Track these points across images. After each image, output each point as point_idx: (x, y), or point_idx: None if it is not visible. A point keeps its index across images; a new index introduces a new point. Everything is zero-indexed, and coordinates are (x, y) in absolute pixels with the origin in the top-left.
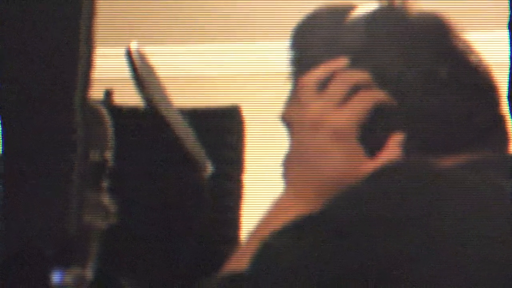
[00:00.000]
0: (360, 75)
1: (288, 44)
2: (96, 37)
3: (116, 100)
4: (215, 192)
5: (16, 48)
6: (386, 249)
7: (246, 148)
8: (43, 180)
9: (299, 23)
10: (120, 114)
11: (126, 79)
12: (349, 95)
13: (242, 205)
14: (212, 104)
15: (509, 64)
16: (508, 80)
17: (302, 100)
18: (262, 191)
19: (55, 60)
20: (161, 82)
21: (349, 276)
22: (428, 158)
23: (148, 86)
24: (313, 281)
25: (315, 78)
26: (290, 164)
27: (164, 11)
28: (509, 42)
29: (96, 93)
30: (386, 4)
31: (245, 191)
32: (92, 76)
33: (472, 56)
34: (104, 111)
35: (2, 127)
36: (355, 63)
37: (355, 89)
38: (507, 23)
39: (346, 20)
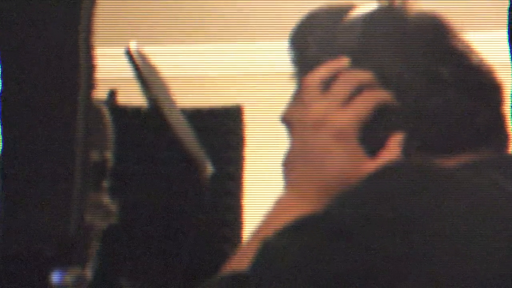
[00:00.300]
0: (363, 75)
1: (288, 44)
2: (101, 37)
3: (120, 100)
4: (217, 192)
5: (17, 49)
6: (387, 249)
7: (248, 148)
8: (44, 180)
9: (298, 23)
10: (124, 114)
11: (130, 79)
12: (352, 95)
13: (243, 205)
14: (214, 104)
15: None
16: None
17: (306, 100)
18: (263, 191)
19: (56, 61)
20: (163, 81)
21: (350, 276)
22: (429, 158)
23: (151, 85)
24: (314, 281)
25: (319, 78)
26: (291, 164)
27: (167, 11)
28: (508, 42)
29: (100, 93)
30: (386, 4)
31: (246, 191)
32: (95, 76)
33: (473, 56)
34: (105, 111)
35: (2, 127)
36: (355, 63)
37: (359, 89)
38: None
39: (346, 20)
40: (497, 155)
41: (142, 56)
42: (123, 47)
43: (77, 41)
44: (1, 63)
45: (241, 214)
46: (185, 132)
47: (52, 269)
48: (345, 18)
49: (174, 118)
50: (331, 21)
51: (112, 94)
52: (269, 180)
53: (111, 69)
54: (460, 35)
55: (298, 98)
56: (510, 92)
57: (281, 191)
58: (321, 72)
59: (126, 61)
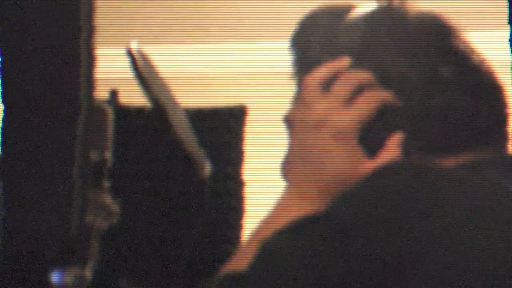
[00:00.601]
0: (364, 75)
1: (289, 44)
2: (102, 37)
3: (122, 100)
4: (217, 192)
5: (17, 48)
6: (387, 249)
7: (250, 148)
8: (44, 180)
9: (299, 23)
10: (125, 114)
11: (131, 79)
12: (353, 95)
13: (244, 205)
14: (215, 104)
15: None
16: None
17: (306, 100)
18: (264, 191)
19: (56, 61)
20: (164, 81)
21: (350, 276)
22: (428, 158)
23: (152, 85)
24: (314, 281)
25: (319, 78)
26: (292, 164)
27: (169, 11)
28: (509, 42)
29: (101, 93)
30: (386, 4)
31: (247, 191)
32: (96, 76)
33: (473, 56)
34: (107, 111)
35: (3, 126)
36: (356, 63)
37: (359, 89)
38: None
39: (347, 20)
40: (497, 155)
41: (143, 56)
42: (124, 47)
43: (78, 41)
44: (2, 62)
45: (242, 214)
46: (186, 132)
47: (51, 269)
48: (346, 18)
49: (176, 118)
50: (332, 21)
51: (114, 94)
52: (270, 180)
53: (112, 69)
54: (461, 35)
55: (298, 98)
56: (510, 92)
57: (281, 191)
58: (322, 72)
59: (127, 61)
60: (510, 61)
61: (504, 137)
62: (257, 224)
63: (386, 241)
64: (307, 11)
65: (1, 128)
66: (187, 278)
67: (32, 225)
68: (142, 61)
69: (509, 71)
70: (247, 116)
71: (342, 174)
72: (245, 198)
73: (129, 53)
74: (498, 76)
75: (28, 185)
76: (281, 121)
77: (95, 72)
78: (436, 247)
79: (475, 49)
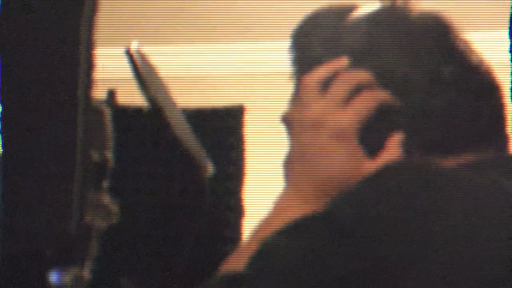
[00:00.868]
0: (362, 75)
1: (290, 44)
2: (101, 37)
3: (120, 100)
4: (217, 192)
5: (17, 48)
6: (387, 249)
7: (249, 148)
8: (44, 180)
9: (301, 23)
10: (123, 114)
11: (130, 79)
12: (351, 95)
13: (244, 205)
14: (214, 104)
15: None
16: (511, 80)
17: (304, 100)
18: (264, 191)
19: (56, 60)
20: (163, 81)
21: (350, 276)
22: (429, 158)
23: (150, 85)
24: (313, 281)
25: (318, 78)
26: (291, 164)
27: (168, 11)
28: (509, 43)
29: (99, 93)
30: (388, 4)
31: (247, 191)
32: (94, 76)
33: (474, 56)
34: (105, 111)
35: (2, 126)
36: (356, 63)
37: (358, 89)
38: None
39: (348, 20)
40: (497, 155)
41: (142, 56)
42: (123, 47)
43: (78, 41)
44: (1, 62)
45: (242, 214)
46: (185, 132)
47: (50, 269)
48: (348, 18)
49: (174, 118)
50: (334, 21)
51: (112, 94)
52: (269, 180)
53: (110, 69)
54: (462, 35)
55: (297, 98)
56: (509, 92)
57: (281, 191)
58: (320, 72)
59: (125, 61)
60: (509, 61)
61: (504, 137)
62: (257, 224)
63: (386, 241)
64: (307, 11)
65: (0, 127)
66: (186, 278)
67: (31, 225)
68: (141, 62)
69: (509, 71)
70: (246, 116)
71: (342, 174)
72: (245, 198)
73: (128, 53)
74: (498, 76)
75: (27, 184)
76: (280, 121)
77: (94, 72)
78: (437, 247)
79: (476, 49)
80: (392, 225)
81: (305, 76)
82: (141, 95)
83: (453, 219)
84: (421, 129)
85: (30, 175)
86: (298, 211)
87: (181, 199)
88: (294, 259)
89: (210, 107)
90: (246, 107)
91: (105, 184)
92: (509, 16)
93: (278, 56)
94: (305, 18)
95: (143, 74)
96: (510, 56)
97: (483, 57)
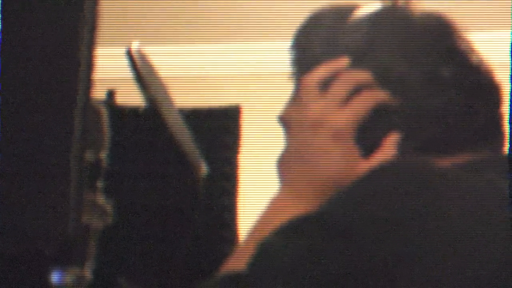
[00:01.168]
0: (362, 75)
1: (290, 44)
2: (99, 37)
3: (119, 100)
4: (213, 192)
5: (17, 48)
6: (382, 248)
7: (245, 148)
8: (41, 180)
9: (302, 23)
10: (121, 114)
11: (129, 79)
12: (351, 95)
13: (239, 205)
14: (212, 104)
15: (511, 64)
16: (510, 81)
17: (304, 100)
18: (259, 191)
19: (56, 60)
20: (162, 81)
21: (346, 276)
22: (424, 157)
23: (150, 86)
24: (311, 281)
25: (317, 78)
26: (287, 164)
27: (166, 11)
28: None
29: (98, 93)
30: (389, 4)
31: (242, 191)
32: (94, 76)
33: (475, 56)
34: (103, 111)
35: (0, 126)
36: (357, 63)
37: (357, 89)
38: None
39: (349, 20)
40: (494, 155)
41: (143, 57)
42: (122, 47)
43: (78, 41)
44: (1, 62)
45: (237, 214)
46: (182, 133)
47: (51, 269)
48: (349, 18)
49: (171, 118)
50: (335, 21)
51: (111, 94)
52: (265, 180)
53: (109, 69)
54: (463, 35)
55: (296, 98)
56: (508, 92)
57: (276, 191)
58: (320, 72)
59: (125, 61)
60: (509, 61)
61: (501, 138)
62: (253, 224)
63: (382, 240)
64: (306, 11)
65: None
66: (184, 278)
67: (28, 225)
68: (141, 62)
69: (508, 71)
70: (242, 116)
71: (337, 174)
72: (241, 198)
73: (129, 54)
74: (497, 76)
75: (24, 185)
76: (277, 121)
77: (93, 73)
78: (431, 247)
79: (476, 49)
80: (387, 225)
81: (305, 76)
82: (140, 95)
83: (448, 219)
84: (417, 129)
85: (27, 175)
86: (293, 211)
87: (176, 199)
88: (291, 259)
89: (206, 107)
90: (242, 107)
91: (100, 184)
92: None
93: (275, 56)
94: (306, 18)
95: (143, 74)
96: (511, 56)
97: (484, 57)
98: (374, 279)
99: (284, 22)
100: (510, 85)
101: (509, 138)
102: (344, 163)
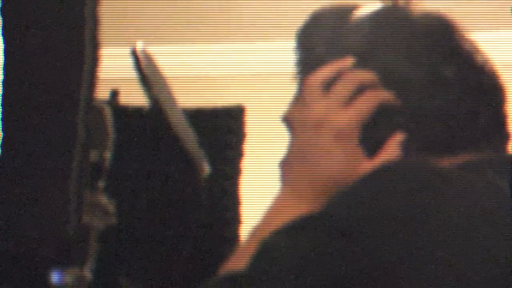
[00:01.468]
0: (365, 75)
1: (294, 44)
2: (103, 37)
3: (122, 100)
4: (215, 192)
5: (21, 48)
6: (385, 249)
7: (249, 148)
8: (43, 180)
9: (304, 23)
10: (125, 114)
11: (133, 79)
12: (354, 95)
13: (241, 205)
14: (216, 104)
15: None
16: None
17: (307, 100)
18: (262, 191)
19: (59, 60)
20: (167, 81)
21: (348, 276)
22: (427, 157)
23: (154, 86)
24: (313, 281)
25: (321, 78)
26: (290, 164)
27: (170, 11)
28: None
29: (102, 93)
30: (390, 4)
31: (244, 191)
32: (98, 76)
33: (477, 56)
34: (107, 111)
35: (2, 125)
36: (360, 63)
37: (360, 89)
38: None
39: (350, 20)
40: (496, 155)
41: (147, 57)
42: (126, 47)
43: (81, 41)
44: (4, 61)
45: (239, 214)
46: (185, 132)
47: (51, 269)
48: (351, 18)
49: (175, 118)
50: (337, 21)
51: (114, 94)
52: (268, 180)
53: (113, 69)
54: (465, 35)
55: (299, 98)
56: (511, 92)
57: (279, 191)
58: (324, 72)
59: (128, 61)
60: None
61: (503, 138)
62: (255, 224)
63: (384, 241)
64: (308, 11)
65: (1, 127)
66: (185, 278)
67: (29, 225)
68: (146, 62)
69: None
70: (246, 116)
71: (340, 174)
72: (243, 198)
73: (134, 53)
74: (500, 76)
75: (26, 184)
76: (280, 121)
77: (97, 72)
78: (434, 247)
79: (479, 49)
80: (390, 225)
81: (308, 76)
82: (144, 95)
83: (450, 219)
84: (420, 129)
85: (29, 175)
86: (296, 211)
87: (179, 199)
88: (293, 259)
89: (210, 107)
90: (246, 107)
91: (104, 184)
92: None
93: (278, 56)
94: (309, 18)
95: (147, 74)
96: None
97: (487, 57)
98: (376, 279)
99: (288, 22)
100: None
101: None
102: (347, 163)
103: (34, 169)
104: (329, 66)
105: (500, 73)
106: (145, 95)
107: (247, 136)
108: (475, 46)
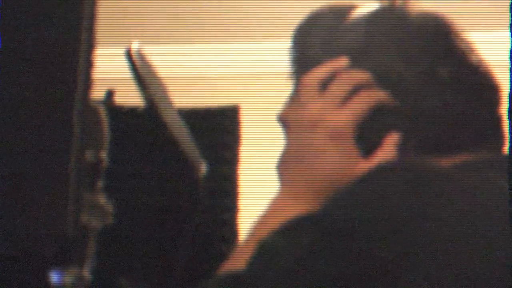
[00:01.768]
0: (361, 75)
1: (289, 44)
2: (99, 37)
3: (118, 100)
4: (212, 192)
5: (16, 47)
6: (382, 249)
7: (244, 148)
8: (40, 180)
9: (300, 23)
10: (121, 114)
11: (128, 79)
12: (350, 95)
13: (239, 205)
14: (210, 104)
15: (510, 64)
16: (509, 81)
17: (302, 99)
18: (259, 191)
19: (55, 60)
20: (162, 82)
21: (346, 276)
22: (424, 158)
23: (149, 86)
24: (311, 281)
25: (316, 78)
26: (286, 164)
27: (165, 11)
28: (510, 42)
29: (97, 93)
30: (387, 4)
31: (242, 190)
32: (93, 76)
33: (473, 56)
34: (102, 111)
35: None
36: (355, 63)
37: (356, 89)
38: (509, 23)
39: (347, 20)
40: (493, 155)
41: (142, 57)
42: (121, 47)
43: (76, 41)
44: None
45: (237, 214)
46: (181, 132)
47: (50, 270)
48: (347, 18)
49: (170, 118)
50: (333, 21)
51: (110, 94)
52: (264, 180)
53: (108, 69)
54: (462, 35)
55: (295, 97)
56: (507, 93)
57: (276, 191)
58: (319, 72)
59: (124, 61)
60: (508, 61)
61: (500, 138)
62: (253, 224)
63: (381, 241)
64: (306, 11)
65: None
66: (184, 278)
67: (28, 226)
68: (141, 62)
69: (507, 71)
70: (240, 116)
71: (337, 174)
72: (240, 198)
73: (128, 54)
74: (496, 76)
75: (23, 185)
76: (275, 121)
77: (93, 72)
78: (431, 247)
79: (475, 49)
80: (387, 225)
81: (304, 76)
82: (139, 95)
83: (448, 219)
84: (417, 129)
85: (26, 175)
86: (293, 211)
87: (176, 199)
88: (291, 259)
89: (205, 107)
90: (241, 107)
91: (100, 184)
92: (510, 15)
93: (274, 56)
94: (305, 18)
95: (142, 74)
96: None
97: (482, 57)
98: (374, 279)
99: (283, 22)
100: (509, 85)
101: (508, 138)
102: (343, 163)
103: (31, 170)
104: (325, 66)
105: (495, 73)
106: (141, 95)
107: (242, 136)
108: (471, 46)
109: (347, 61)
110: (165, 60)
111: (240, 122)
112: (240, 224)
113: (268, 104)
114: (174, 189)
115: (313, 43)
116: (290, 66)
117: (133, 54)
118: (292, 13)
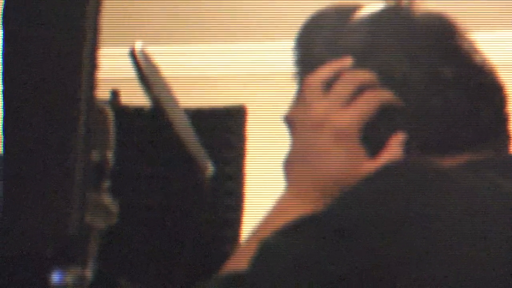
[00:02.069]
0: (366, 75)
1: (293, 44)
2: (103, 37)
3: (123, 100)
4: (218, 192)
5: (20, 48)
6: (387, 249)
7: (250, 148)
8: (44, 180)
9: (305, 23)
10: (126, 114)
11: (133, 79)
12: (354, 95)
13: (244, 205)
14: (216, 104)
15: None
16: None
17: (307, 100)
18: (265, 191)
19: (59, 61)
20: (166, 81)
21: (350, 277)
22: (428, 158)
23: (154, 86)
24: (314, 281)
25: (321, 78)
26: (292, 164)
27: (170, 10)
28: None
29: (102, 93)
30: (392, 4)
31: (247, 191)
32: (98, 76)
33: (477, 56)
34: (108, 111)
35: (4, 125)
36: (360, 63)
37: (361, 89)
38: None
39: (352, 20)
40: (497, 155)
41: (146, 57)
42: (126, 47)
43: (81, 41)
44: (4, 61)
45: (241, 214)
46: (187, 132)
47: (52, 269)
48: (351, 18)
49: (176, 118)
50: (338, 21)
51: (115, 94)
52: (270, 180)
53: (113, 69)
54: (466, 35)
55: (300, 98)
56: (511, 92)
57: (282, 191)
58: (324, 72)
59: (129, 61)
60: None
61: (504, 138)
62: (257, 224)
63: (386, 241)
64: (308, 11)
65: (2, 127)
66: (187, 278)
67: (31, 225)
68: (145, 62)
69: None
70: (247, 116)
71: (342, 174)
72: (245, 198)
73: (132, 54)
74: (500, 76)
75: (28, 185)
76: (281, 121)
77: (97, 72)
78: (435, 247)
79: (480, 49)
80: (392, 225)
81: (308, 76)
82: (144, 95)
83: (451, 219)
84: (422, 129)
85: (31, 175)
86: (298, 211)
87: (181, 199)
88: (293, 259)
89: (210, 107)
90: (247, 107)
91: (106, 184)
92: None
93: (280, 56)
94: (310, 18)
95: (147, 74)
96: None
97: (487, 57)
98: (377, 279)
99: (288, 22)
100: None
101: None
102: (348, 163)
103: (36, 170)
104: (329, 66)
105: (500, 73)
106: (146, 95)
107: (248, 136)
108: (475, 46)
109: (352, 61)
110: (170, 60)
111: (245, 122)
112: (244, 225)
113: (274, 104)
114: (180, 190)
115: (317, 43)
116: (294, 66)
117: (137, 54)
118: (297, 13)
